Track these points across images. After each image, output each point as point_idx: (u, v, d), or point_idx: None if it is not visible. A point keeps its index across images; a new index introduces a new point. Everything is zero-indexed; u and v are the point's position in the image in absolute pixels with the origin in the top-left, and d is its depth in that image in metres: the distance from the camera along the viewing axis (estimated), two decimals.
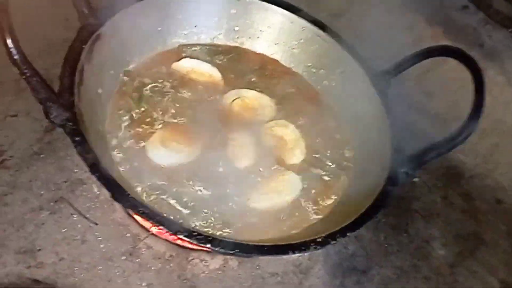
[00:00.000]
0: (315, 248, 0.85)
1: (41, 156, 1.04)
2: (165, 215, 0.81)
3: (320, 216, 1.02)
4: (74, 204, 0.98)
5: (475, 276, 1.24)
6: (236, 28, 1.28)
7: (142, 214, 0.77)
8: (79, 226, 0.96)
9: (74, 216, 0.97)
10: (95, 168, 0.79)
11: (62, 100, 0.86)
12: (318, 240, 0.86)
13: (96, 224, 0.97)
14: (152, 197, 0.92)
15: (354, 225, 0.90)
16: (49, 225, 0.95)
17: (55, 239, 0.93)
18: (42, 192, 0.98)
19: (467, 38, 1.44)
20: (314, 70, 1.28)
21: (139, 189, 0.93)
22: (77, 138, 0.82)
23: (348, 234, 0.89)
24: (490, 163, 1.48)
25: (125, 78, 1.09)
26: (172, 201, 0.93)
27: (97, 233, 0.96)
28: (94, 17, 1.00)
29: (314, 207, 1.03)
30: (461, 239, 1.32)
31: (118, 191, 0.79)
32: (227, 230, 0.93)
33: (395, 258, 1.20)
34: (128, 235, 0.96)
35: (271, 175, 1.05)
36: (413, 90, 1.55)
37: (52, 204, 0.97)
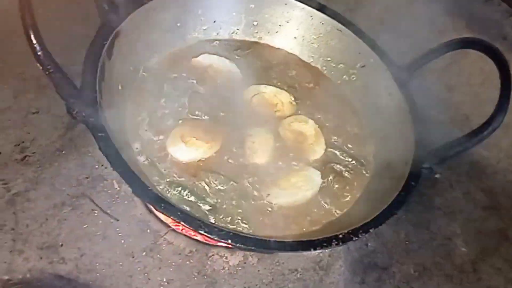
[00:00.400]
0: (337, 244, 0.84)
1: (63, 152, 1.05)
2: (185, 210, 0.80)
3: (341, 212, 1.01)
4: (96, 200, 0.99)
5: (499, 273, 1.22)
6: (255, 23, 1.27)
7: (162, 210, 0.77)
8: (100, 222, 0.97)
9: (95, 212, 0.98)
10: (117, 163, 0.79)
11: (85, 96, 0.86)
12: (340, 236, 0.85)
13: (117, 220, 0.97)
14: (172, 193, 0.92)
15: (376, 221, 0.89)
16: (71, 221, 0.96)
17: (77, 235, 0.94)
18: (64, 188, 1.00)
19: (490, 31, 1.40)
20: (334, 65, 1.27)
21: (159, 184, 0.93)
22: (99, 134, 0.82)
23: (370, 230, 0.87)
24: None
25: (144, 74, 1.10)
26: (192, 197, 0.92)
27: (118, 229, 0.96)
28: (115, 14, 1.00)
29: (334, 203, 1.02)
30: (483, 236, 1.30)
31: (138, 186, 0.79)
32: (247, 226, 0.92)
33: (417, 255, 1.18)
34: (148, 231, 0.97)
35: (290, 171, 1.04)
36: (435, 84, 1.52)
37: (74, 200, 0.98)
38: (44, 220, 0.95)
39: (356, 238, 0.85)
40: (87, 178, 1.02)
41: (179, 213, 0.77)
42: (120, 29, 1.00)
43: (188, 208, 0.90)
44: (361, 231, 0.86)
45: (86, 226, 0.96)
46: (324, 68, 1.28)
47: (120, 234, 0.96)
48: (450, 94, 1.53)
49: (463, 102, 1.51)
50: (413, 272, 1.14)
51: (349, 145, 1.13)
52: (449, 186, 1.39)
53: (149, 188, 0.79)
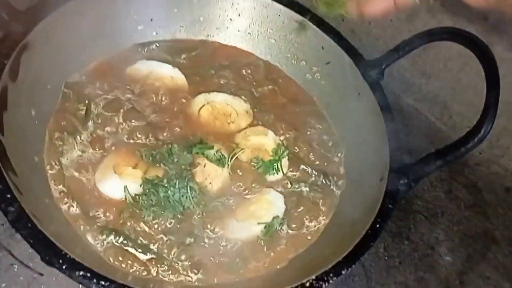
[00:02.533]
0: None
1: None
2: (111, 277, 0.64)
3: (309, 243, 0.87)
4: (14, 251, 0.82)
5: (488, 283, 1.12)
6: (201, 18, 1.10)
7: (82, 281, 0.61)
8: (21, 278, 0.81)
9: (15, 266, 0.82)
10: (20, 223, 0.63)
11: None
12: (307, 285, 0.71)
13: (41, 274, 0.81)
14: (104, 245, 0.76)
15: (350, 260, 0.76)
16: None
17: None
18: None
19: (469, 10, 1.26)
20: (294, 62, 1.11)
21: (87, 235, 0.76)
22: None
23: (343, 272, 0.74)
24: (497, 149, 1.34)
25: (67, 92, 0.91)
26: (129, 246, 0.77)
27: (43, 286, 0.81)
28: (19, 23, 0.81)
29: (301, 233, 0.88)
30: (469, 240, 1.19)
31: (49, 252, 0.63)
32: (197, 275, 0.78)
33: (398, 272, 1.07)
34: (80, 286, 0.81)
35: (249, 197, 0.89)
36: (410, 70, 1.39)
37: None
38: None
39: (326, 285, 0.72)
40: (2, 225, 0.85)
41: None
42: (27, 41, 0.82)
43: (123, 263, 0.74)
44: (331, 274, 0.73)
45: (4, 285, 0.80)
46: (285, 66, 1.12)
47: None
48: (427, 81, 1.40)
49: (441, 89, 1.38)
50: None
51: (316, 158, 0.99)
52: (429, 185, 1.27)
53: (62, 252, 0.63)
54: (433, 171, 0.85)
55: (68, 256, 0.63)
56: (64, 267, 0.62)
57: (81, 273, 0.62)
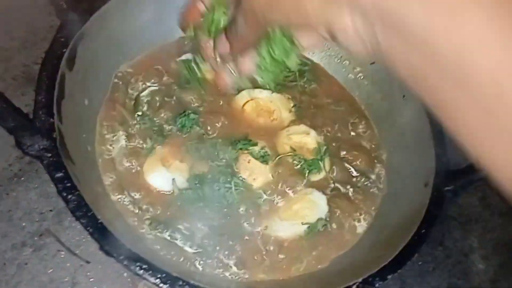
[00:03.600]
0: None
1: (22, 179, 0.88)
2: (166, 269, 0.65)
3: (351, 244, 0.87)
4: (62, 238, 0.84)
5: None
6: None
7: (138, 273, 0.62)
8: (68, 265, 0.82)
9: (62, 253, 0.83)
10: (80, 212, 0.64)
11: (38, 124, 0.69)
12: (353, 287, 0.71)
13: (88, 262, 0.83)
14: (152, 235, 0.77)
15: (396, 265, 0.75)
16: (34, 265, 0.81)
17: (41, 282, 0.80)
18: (24, 224, 0.84)
19: None
20: (337, 61, 1.10)
21: (137, 225, 0.77)
22: (57, 174, 0.66)
23: (388, 277, 0.74)
24: None
25: (117, 82, 0.92)
26: (178, 238, 0.78)
27: (89, 273, 0.82)
28: (76, 12, 0.82)
29: (343, 233, 0.88)
30: (503, 248, 1.18)
31: (108, 241, 0.64)
32: (241, 271, 0.78)
33: (431, 278, 1.06)
34: (125, 274, 0.82)
35: (292, 196, 0.89)
36: None
37: (36, 238, 0.83)
38: (1, 265, 0.80)
39: None
40: (51, 211, 0.86)
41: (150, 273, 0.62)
42: (83, 31, 0.82)
43: (170, 254, 0.75)
44: (377, 278, 0.73)
45: (51, 270, 0.81)
46: (328, 65, 1.11)
47: (91, 279, 0.82)
48: None
49: None
50: None
51: (358, 160, 0.98)
52: (463, 191, 1.26)
53: (120, 242, 0.64)
54: (481, 180, 0.84)
55: (125, 247, 0.64)
56: (121, 257, 0.63)
57: (138, 264, 0.63)
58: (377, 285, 0.72)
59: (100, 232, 0.64)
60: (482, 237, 1.18)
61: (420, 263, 1.08)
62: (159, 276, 0.63)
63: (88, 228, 0.63)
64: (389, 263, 0.75)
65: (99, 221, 0.65)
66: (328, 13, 0.39)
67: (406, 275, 1.05)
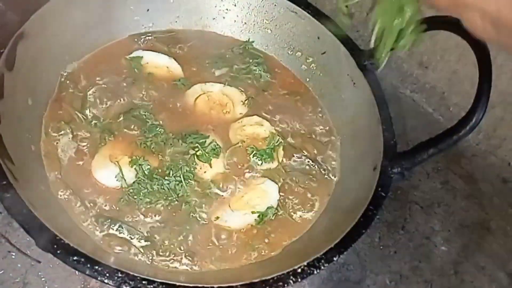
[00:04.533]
0: (295, 281, 0.71)
1: None
2: (105, 262, 0.65)
3: (303, 231, 0.88)
4: (12, 239, 0.83)
5: (483, 272, 1.12)
6: (197, 9, 1.10)
7: (76, 266, 0.62)
8: (19, 265, 0.82)
9: (13, 254, 0.83)
10: (14, 210, 0.64)
11: None
12: (299, 270, 0.72)
13: (39, 262, 0.82)
14: (100, 231, 0.77)
15: (341, 246, 0.76)
16: None
17: None
18: None
19: None
20: (290, 53, 1.11)
21: (83, 222, 0.78)
22: None
23: (335, 258, 0.75)
24: (494, 139, 1.34)
25: (64, 81, 0.92)
26: (125, 233, 0.78)
27: (40, 273, 0.82)
28: (15, 12, 0.82)
29: (295, 221, 0.88)
30: (465, 230, 1.19)
31: (45, 238, 0.63)
32: (192, 263, 0.79)
33: (393, 261, 1.07)
34: (77, 273, 0.82)
35: (243, 186, 0.90)
36: (407, 61, 1.39)
37: None
38: None
39: (318, 271, 0.73)
40: (1, 213, 0.86)
41: (95, 269, 0.62)
42: (23, 30, 0.82)
43: (119, 249, 0.75)
44: (323, 261, 0.74)
45: (1, 272, 0.81)
46: (280, 57, 1.12)
47: (43, 279, 0.81)
48: (424, 72, 1.40)
49: (438, 80, 1.38)
50: (389, 283, 1.03)
51: (311, 148, 0.99)
52: (426, 176, 1.28)
53: (60, 239, 0.64)
54: (426, 160, 0.85)
55: (62, 241, 0.64)
56: (58, 252, 0.63)
57: (75, 258, 0.63)
58: (322, 267, 0.73)
59: (36, 228, 0.64)
60: (444, 220, 1.19)
61: (381, 247, 1.09)
62: (96, 268, 0.63)
63: (23, 225, 0.63)
64: (335, 245, 0.75)
65: (36, 218, 0.64)
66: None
67: (366, 259, 1.05)
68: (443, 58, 1.34)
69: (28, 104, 0.83)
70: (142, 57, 1.01)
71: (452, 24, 0.87)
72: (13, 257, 0.83)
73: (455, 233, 1.17)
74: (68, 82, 0.93)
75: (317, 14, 1.05)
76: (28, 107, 0.83)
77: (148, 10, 1.05)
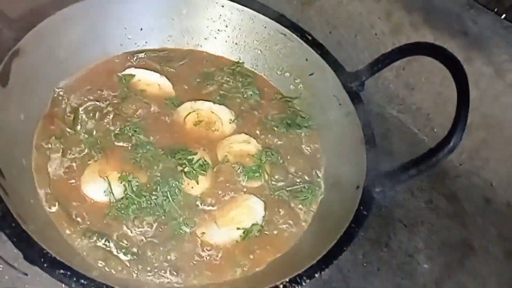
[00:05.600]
0: None
1: None
2: (91, 276, 0.66)
3: (287, 248, 0.90)
4: (0, 251, 0.84)
5: None
6: (189, 29, 1.13)
7: (63, 280, 0.64)
8: (6, 277, 0.83)
9: (0, 266, 0.83)
10: (3, 223, 0.66)
11: None
12: (281, 287, 0.74)
13: (26, 274, 0.83)
14: (87, 245, 0.79)
15: (323, 262, 0.78)
16: None
17: None
18: None
19: (450, 25, 1.29)
20: (279, 73, 1.14)
21: (71, 235, 0.79)
22: None
23: (316, 275, 0.77)
24: (478, 160, 1.37)
25: (57, 97, 0.94)
26: (111, 247, 0.79)
27: (27, 286, 0.83)
28: (11, 30, 0.85)
29: (279, 238, 0.91)
30: (448, 249, 1.21)
31: (31, 250, 0.65)
32: (177, 277, 0.80)
33: (376, 278, 1.09)
34: (63, 286, 0.83)
35: (230, 202, 0.92)
36: (394, 82, 1.43)
37: None
38: None
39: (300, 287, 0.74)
40: None
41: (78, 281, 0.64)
42: (19, 48, 0.85)
43: (105, 263, 0.77)
44: (304, 277, 0.75)
45: None
46: (269, 77, 1.15)
47: None
48: (410, 93, 1.43)
49: (423, 101, 1.42)
50: None
51: (297, 166, 1.01)
52: (410, 195, 1.30)
53: (46, 251, 0.65)
54: (408, 180, 0.87)
55: (49, 254, 0.65)
56: (45, 265, 0.65)
57: (61, 271, 0.65)
58: (304, 283, 0.74)
59: (24, 242, 0.65)
60: (427, 238, 1.21)
61: (364, 264, 1.10)
62: (82, 282, 0.64)
63: (12, 238, 0.65)
64: (317, 262, 0.77)
65: (24, 231, 0.66)
66: None
67: (350, 276, 1.07)
68: (428, 80, 1.37)
69: (21, 119, 0.85)
70: (134, 74, 1.03)
71: (434, 51, 0.91)
72: (0, 269, 0.84)
73: (438, 252, 1.19)
74: (60, 98, 0.95)
75: (305, 36, 1.08)
76: (21, 122, 0.85)
77: (141, 29, 1.08)
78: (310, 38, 1.08)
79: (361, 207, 0.86)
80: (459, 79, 0.82)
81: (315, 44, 1.08)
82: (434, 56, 0.90)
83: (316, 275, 0.77)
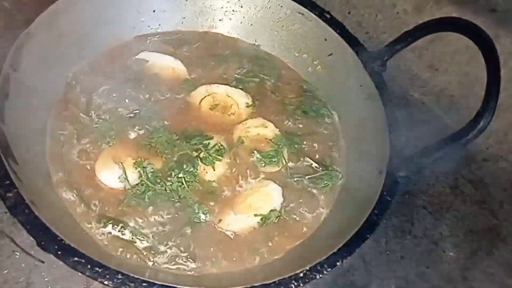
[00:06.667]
0: (298, 285, 0.70)
1: None
2: (106, 263, 0.65)
3: (307, 235, 0.87)
4: (17, 239, 0.84)
5: (492, 280, 1.10)
6: (203, 10, 1.09)
7: (77, 267, 0.62)
8: (22, 265, 0.82)
9: (17, 253, 0.83)
10: (17, 210, 0.64)
11: None
12: (301, 275, 0.71)
13: (43, 262, 0.83)
14: (102, 232, 0.77)
15: (345, 251, 0.75)
16: None
17: None
18: None
19: (477, 2, 1.23)
20: (297, 54, 1.10)
21: (86, 223, 0.77)
22: None
23: (337, 263, 0.74)
24: (505, 144, 1.31)
25: (70, 82, 0.93)
26: (127, 235, 0.78)
27: (43, 273, 0.82)
28: (21, 12, 0.83)
29: (299, 224, 0.88)
30: (474, 236, 1.17)
31: (45, 237, 0.63)
32: (193, 264, 0.78)
33: (399, 267, 1.05)
34: (80, 273, 0.82)
35: (247, 188, 0.89)
36: (417, 63, 1.37)
37: None
38: None
39: (321, 276, 0.72)
40: (6, 213, 0.86)
41: (95, 269, 0.62)
42: (29, 31, 0.83)
43: (121, 250, 0.75)
44: (325, 265, 0.72)
45: (6, 271, 0.81)
46: (287, 58, 1.11)
47: (46, 279, 0.82)
48: (434, 75, 1.38)
49: (448, 82, 1.36)
50: None
51: (317, 151, 0.98)
52: (435, 180, 1.26)
53: (59, 238, 0.64)
54: (432, 163, 0.84)
55: (63, 241, 0.64)
56: (59, 252, 0.63)
57: (76, 258, 0.63)
58: (325, 272, 0.72)
59: (38, 228, 0.64)
60: (453, 225, 1.17)
61: (387, 252, 1.07)
62: (97, 270, 0.63)
63: (25, 225, 0.63)
64: (339, 250, 0.74)
65: (37, 218, 0.64)
66: None
67: (372, 264, 1.04)
68: (453, 60, 1.32)
69: (34, 104, 0.83)
70: (148, 58, 1.01)
71: (461, 26, 0.85)
72: (17, 257, 0.83)
73: (464, 239, 1.15)
74: (73, 83, 0.93)
75: (324, 15, 1.04)
76: (33, 107, 0.83)
77: (154, 11, 1.05)
78: (328, 16, 1.03)
79: (385, 193, 0.82)
80: (489, 56, 0.77)
81: (334, 23, 1.03)
82: (462, 32, 0.85)
83: (338, 264, 0.73)
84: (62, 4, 0.88)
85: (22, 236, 0.85)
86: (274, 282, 0.69)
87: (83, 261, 0.63)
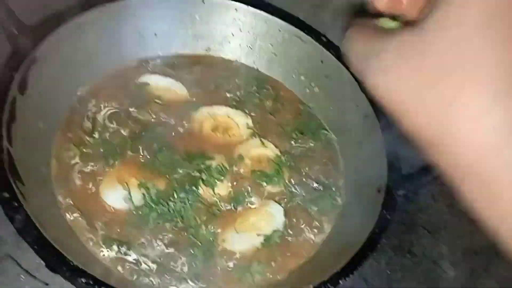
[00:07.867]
0: None
1: None
2: (112, 284, 0.65)
3: (309, 254, 0.88)
4: (21, 262, 0.83)
5: None
6: (203, 34, 1.12)
7: (81, 287, 0.62)
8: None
9: (22, 276, 0.83)
10: (25, 232, 0.65)
11: None
12: None
13: (47, 284, 0.82)
14: (108, 253, 0.78)
15: (346, 270, 0.76)
16: None
17: None
18: None
19: None
20: (294, 76, 1.13)
21: (92, 243, 0.78)
22: (3, 195, 0.67)
23: (340, 281, 0.74)
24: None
25: (75, 105, 0.94)
26: (132, 255, 0.78)
27: None
28: (27, 37, 0.85)
29: (301, 244, 0.89)
30: (472, 254, 1.18)
31: (53, 259, 0.64)
32: (195, 285, 0.79)
33: (400, 286, 1.06)
34: None
35: (249, 208, 0.90)
36: None
37: None
38: None
39: None
40: (10, 235, 0.86)
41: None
42: (36, 55, 0.85)
43: (126, 273, 0.76)
44: (329, 285, 0.73)
45: None
46: (286, 80, 1.14)
47: None
48: None
49: None
50: None
51: (316, 171, 1.00)
52: (431, 199, 1.27)
53: (68, 260, 0.64)
54: (432, 182, 0.85)
55: (71, 263, 0.64)
56: (67, 274, 0.64)
57: (83, 279, 0.64)
58: None
59: (45, 249, 0.65)
60: (451, 244, 1.18)
61: (388, 272, 1.08)
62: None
63: (34, 246, 0.64)
64: (342, 269, 0.75)
65: (46, 239, 0.65)
66: None
67: (374, 284, 1.04)
68: None
69: (39, 127, 0.84)
70: (150, 81, 1.03)
71: None
72: (22, 279, 0.83)
73: (463, 258, 1.15)
74: (78, 105, 0.95)
75: (321, 38, 1.07)
76: (39, 129, 0.84)
77: (155, 34, 1.08)
78: (325, 40, 1.07)
79: (384, 211, 0.84)
80: None
81: (330, 46, 1.06)
82: None
83: (340, 282, 0.74)
84: (67, 29, 0.90)
85: (27, 259, 0.85)
86: None
87: (91, 282, 0.63)
